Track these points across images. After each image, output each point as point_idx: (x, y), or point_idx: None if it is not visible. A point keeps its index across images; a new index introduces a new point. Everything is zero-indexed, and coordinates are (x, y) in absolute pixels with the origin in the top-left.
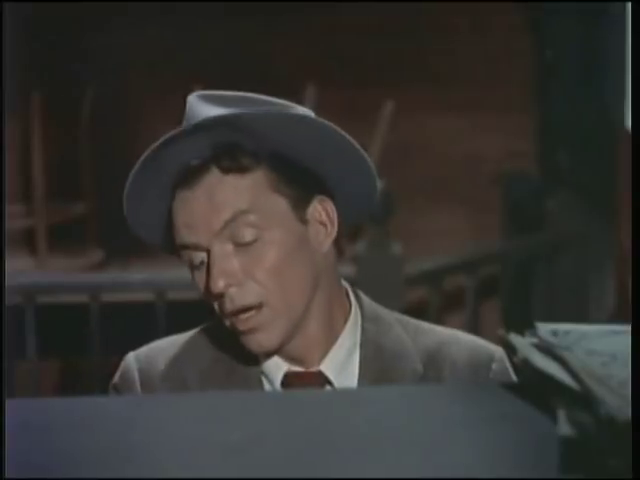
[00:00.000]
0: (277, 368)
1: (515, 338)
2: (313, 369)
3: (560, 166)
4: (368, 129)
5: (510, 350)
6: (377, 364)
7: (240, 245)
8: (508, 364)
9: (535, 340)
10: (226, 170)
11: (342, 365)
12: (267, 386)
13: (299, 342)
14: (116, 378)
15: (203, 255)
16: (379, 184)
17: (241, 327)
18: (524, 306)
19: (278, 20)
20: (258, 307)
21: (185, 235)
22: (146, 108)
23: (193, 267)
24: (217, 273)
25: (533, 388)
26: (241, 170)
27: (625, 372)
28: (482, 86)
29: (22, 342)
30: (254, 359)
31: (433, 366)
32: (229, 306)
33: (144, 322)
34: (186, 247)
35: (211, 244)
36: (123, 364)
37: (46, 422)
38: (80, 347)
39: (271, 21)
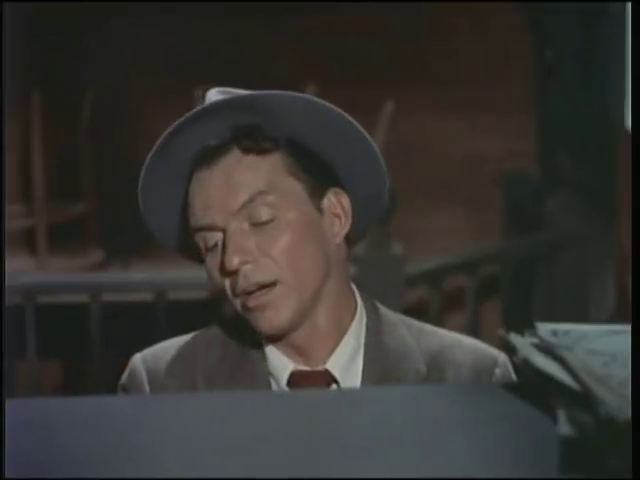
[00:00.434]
0: (283, 367)
1: (515, 338)
2: (319, 368)
3: (560, 166)
4: (368, 129)
5: (510, 350)
6: (381, 364)
7: (256, 224)
8: (511, 369)
9: (535, 340)
10: (246, 151)
11: (348, 364)
12: (273, 385)
13: (307, 331)
14: (124, 378)
15: (218, 236)
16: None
17: (252, 304)
18: (524, 306)
19: (278, 20)
20: (271, 285)
21: (201, 216)
22: (146, 108)
23: (207, 250)
24: (233, 250)
25: (533, 388)
26: (260, 151)
27: (625, 372)
28: (482, 86)
29: (22, 342)
30: (260, 358)
31: (436, 368)
32: (242, 283)
33: (144, 322)
34: (202, 228)
35: (227, 223)
36: (130, 364)
37: (46, 422)
38: (80, 347)
39: (271, 21)
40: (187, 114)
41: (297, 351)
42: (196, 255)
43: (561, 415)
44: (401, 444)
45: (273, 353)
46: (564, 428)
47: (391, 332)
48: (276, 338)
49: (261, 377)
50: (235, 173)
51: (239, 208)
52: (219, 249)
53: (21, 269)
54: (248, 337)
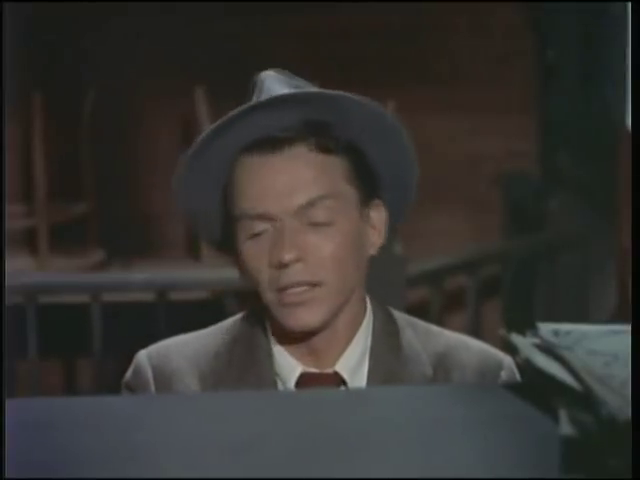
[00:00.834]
0: (291, 368)
1: (516, 338)
2: (328, 370)
3: (560, 166)
4: None
5: (511, 350)
6: (386, 367)
7: (313, 224)
8: (516, 371)
9: (536, 340)
10: (314, 148)
11: (356, 366)
12: (280, 387)
13: (326, 334)
14: (128, 376)
15: (266, 226)
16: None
17: (290, 300)
18: (525, 306)
19: (278, 20)
20: (314, 285)
21: (256, 203)
22: (147, 108)
23: (249, 237)
24: (289, 245)
25: (534, 388)
26: (328, 151)
27: (626, 372)
28: (482, 86)
29: (23, 342)
30: (267, 359)
31: (442, 370)
32: (287, 279)
33: (145, 322)
34: (252, 215)
35: (284, 217)
36: (135, 362)
37: (47, 422)
38: (81, 347)
39: (271, 21)
40: (258, 100)
41: (309, 353)
42: (225, 244)
43: (562, 415)
44: (403, 444)
45: (281, 354)
46: (565, 428)
47: (397, 334)
48: (294, 338)
49: (268, 378)
50: (302, 169)
51: (301, 205)
52: (266, 239)
53: (22, 269)
54: (255, 337)
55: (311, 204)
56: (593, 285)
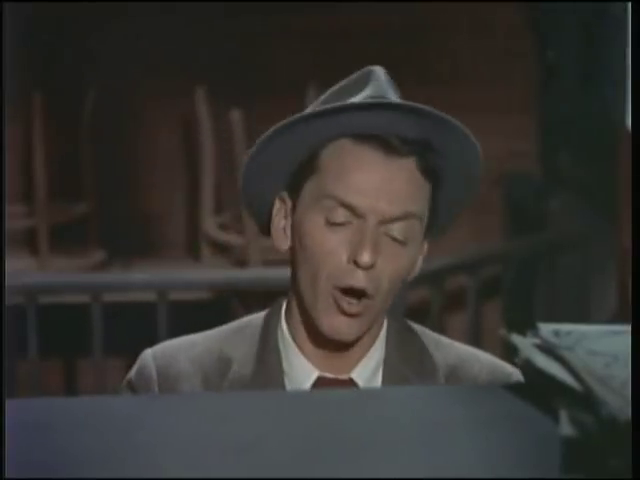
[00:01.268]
0: (307, 373)
1: (517, 338)
2: (344, 376)
3: (561, 166)
4: None
5: (512, 350)
6: (400, 377)
7: (391, 238)
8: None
9: (537, 340)
10: (418, 167)
11: (371, 375)
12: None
13: (353, 343)
14: (132, 374)
15: (349, 217)
16: None
17: (341, 305)
18: (525, 306)
19: (278, 20)
20: (367, 297)
21: (353, 192)
22: (147, 108)
23: (330, 222)
24: (372, 247)
25: (535, 388)
26: (425, 173)
27: (626, 372)
28: (483, 86)
29: (23, 342)
30: (278, 363)
31: (454, 381)
32: (353, 280)
33: (146, 322)
34: (342, 200)
35: (374, 219)
36: (140, 361)
37: (46, 422)
38: (81, 347)
39: (271, 21)
40: (392, 101)
41: (327, 357)
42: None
43: (562, 415)
44: (403, 444)
45: (298, 357)
46: (565, 428)
47: (410, 345)
48: (316, 341)
49: (279, 382)
50: (407, 182)
51: (394, 216)
52: (346, 233)
53: (22, 269)
54: (269, 338)
55: (401, 219)
56: (593, 285)
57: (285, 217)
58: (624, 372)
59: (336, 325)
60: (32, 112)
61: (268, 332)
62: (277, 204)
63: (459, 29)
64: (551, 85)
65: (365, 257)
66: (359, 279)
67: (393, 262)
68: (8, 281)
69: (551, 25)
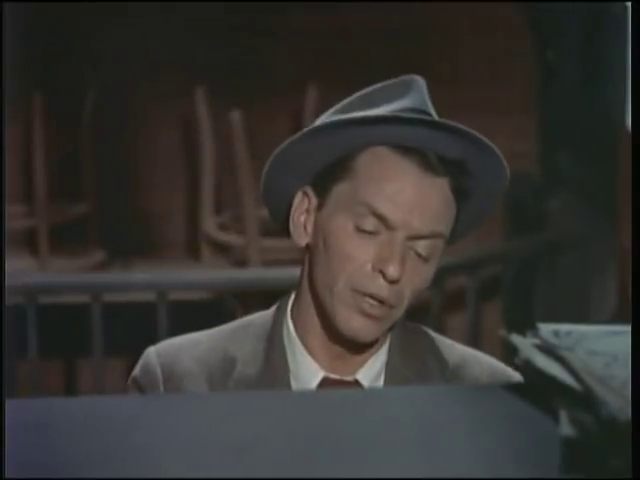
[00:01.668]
0: (313, 373)
1: (516, 338)
2: (349, 378)
3: (561, 166)
4: None
5: (512, 351)
6: (402, 378)
7: (416, 253)
8: None
9: (536, 340)
10: (456, 187)
11: (376, 377)
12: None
13: (360, 344)
14: (137, 371)
15: (379, 227)
16: None
17: (363, 306)
18: (525, 306)
19: (278, 20)
20: (388, 306)
21: (388, 203)
22: (147, 108)
23: (359, 228)
24: (400, 262)
25: (535, 388)
26: (456, 194)
27: (626, 372)
28: (483, 87)
29: (23, 342)
30: (285, 362)
31: (455, 383)
32: (375, 289)
33: (146, 322)
34: (375, 209)
35: (404, 233)
36: (144, 359)
37: (46, 422)
38: (81, 347)
39: (271, 21)
40: (436, 119)
41: (334, 358)
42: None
43: (562, 415)
44: (403, 444)
45: (304, 356)
46: (565, 428)
47: (412, 346)
48: (325, 341)
49: (285, 383)
50: (441, 201)
51: (423, 233)
52: (375, 242)
53: (22, 269)
54: (275, 337)
55: (429, 237)
56: (593, 285)
57: (307, 213)
58: (624, 372)
59: (357, 326)
60: (32, 112)
61: (274, 330)
62: (299, 197)
63: (459, 29)
64: (551, 85)
65: (393, 271)
66: (382, 289)
67: (415, 276)
68: (8, 281)
69: (551, 25)
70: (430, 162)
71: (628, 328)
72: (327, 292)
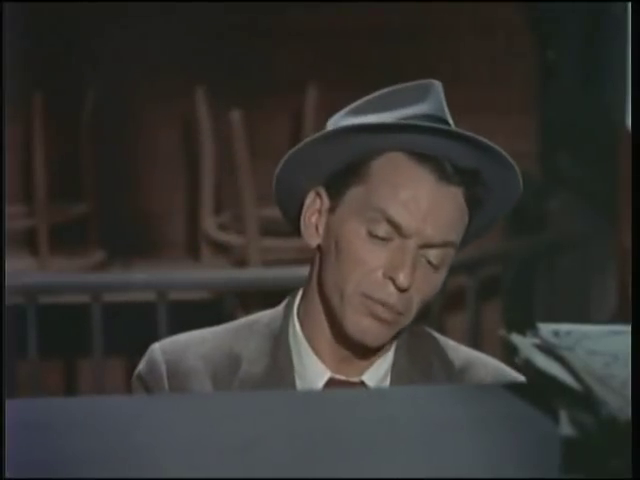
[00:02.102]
0: (319, 374)
1: (516, 338)
2: (355, 379)
3: (561, 166)
4: None
5: (512, 350)
6: (408, 380)
7: (426, 260)
8: None
9: (536, 340)
10: (470, 197)
11: (382, 378)
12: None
13: (367, 347)
14: (141, 368)
15: (391, 233)
16: None
17: (373, 310)
18: (525, 306)
19: (278, 20)
20: (397, 313)
21: (402, 210)
22: (147, 108)
23: (372, 234)
24: (411, 270)
25: (535, 388)
26: (469, 203)
27: (626, 372)
28: (482, 87)
29: (23, 342)
30: (290, 362)
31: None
32: (384, 295)
33: (146, 322)
34: (389, 216)
35: (416, 241)
36: (149, 355)
37: (46, 422)
38: (81, 347)
39: (271, 21)
40: (454, 129)
41: (340, 360)
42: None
43: (562, 415)
44: (403, 444)
45: (310, 357)
46: (565, 428)
47: (419, 348)
48: (332, 343)
49: (290, 382)
50: (455, 210)
51: (436, 242)
52: (388, 248)
53: (22, 269)
54: (282, 337)
55: (441, 246)
56: (593, 285)
57: (319, 213)
58: (624, 372)
59: (366, 330)
60: (32, 112)
61: (280, 330)
62: (311, 197)
63: (459, 29)
64: (551, 85)
65: (403, 279)
66: (392, 296)
67: (424, 284)
68: (8, 281)
69: (551, 25)
70: (445, 171)
71: (628, 328)
72: (336, 295)
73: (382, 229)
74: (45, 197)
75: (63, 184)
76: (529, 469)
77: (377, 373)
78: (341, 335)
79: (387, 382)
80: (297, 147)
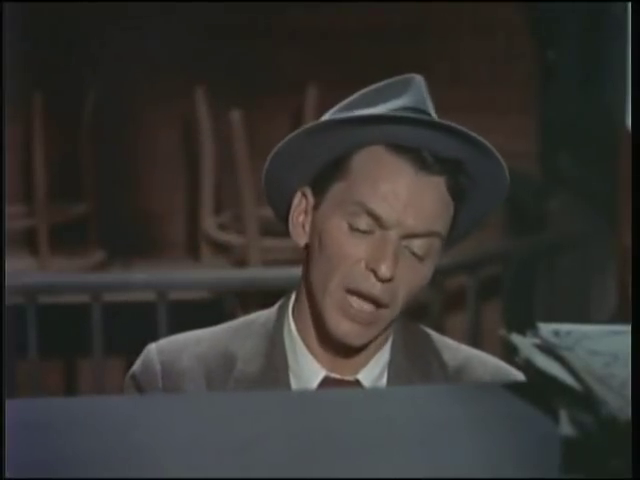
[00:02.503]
0: (314, 373)
1: (517, 338)
2: (350, 378)
3: (561, 166)
4: None
5: (512, 350)
6: (405, 378)
7: (410, 251)
8: None
9: (537, 340)
10: (447, 187)
11: (378, 377)
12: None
13: (362, 347)
14: (136, 368)
15: (372, 226)
16: None
17: (351, 311)
18: (525, 306)
19: (278, 20)
20: (381, 306)
21: (382, 203)
22: (147, 108)
23: (353, 227)
24: (393, 261)
25: (535, 388)
26: (453, 193)
27: (626, 372)
28: (482, 87)
29: (23, 342)
30: (285, 361)
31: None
32: (366, 287)
33: (146, 322)
34: (369, 209)
35: (398, 232)
36: (145, 355)
37: (46, 422)
38: (81, 347)
39: (271, 21)
40: (433, 119)
41: (335, 358)
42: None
43: (562, 415)
44: (403, 444)
45: (305, 356)
46: (565, 428)
47: (416, 346)
48: (325, 342)
49: (285, 382)
50: (437, 201)
51: (418, 233)
52: (369, 241)
53: (22, 269)
54: (276, 336)
55: (424, 236)
56: (593, 285)
57: (305, 213)
58: (624, 372)
59: (347, 331)
60: (32, 112)
61: (275, 329)
62: (297, 197)
63: (459, 29)
64: (551, 85)
65: (385, 269)
66: (375, 287)
67: (409, 275)
68: (8, 281)
69: (551, 25)
70: (425, 161)
71: (628, 328)
72: (320, 292)
73: (363, 222)
74: (45, 197)
75: (63, 184)
76: (529, 469)
77: (372, 372)
78: (326, 334)
79: (383, 380)
80: (280, 144)
